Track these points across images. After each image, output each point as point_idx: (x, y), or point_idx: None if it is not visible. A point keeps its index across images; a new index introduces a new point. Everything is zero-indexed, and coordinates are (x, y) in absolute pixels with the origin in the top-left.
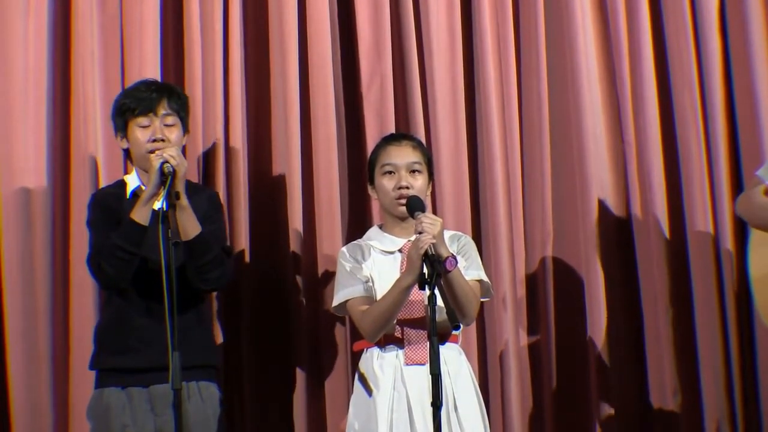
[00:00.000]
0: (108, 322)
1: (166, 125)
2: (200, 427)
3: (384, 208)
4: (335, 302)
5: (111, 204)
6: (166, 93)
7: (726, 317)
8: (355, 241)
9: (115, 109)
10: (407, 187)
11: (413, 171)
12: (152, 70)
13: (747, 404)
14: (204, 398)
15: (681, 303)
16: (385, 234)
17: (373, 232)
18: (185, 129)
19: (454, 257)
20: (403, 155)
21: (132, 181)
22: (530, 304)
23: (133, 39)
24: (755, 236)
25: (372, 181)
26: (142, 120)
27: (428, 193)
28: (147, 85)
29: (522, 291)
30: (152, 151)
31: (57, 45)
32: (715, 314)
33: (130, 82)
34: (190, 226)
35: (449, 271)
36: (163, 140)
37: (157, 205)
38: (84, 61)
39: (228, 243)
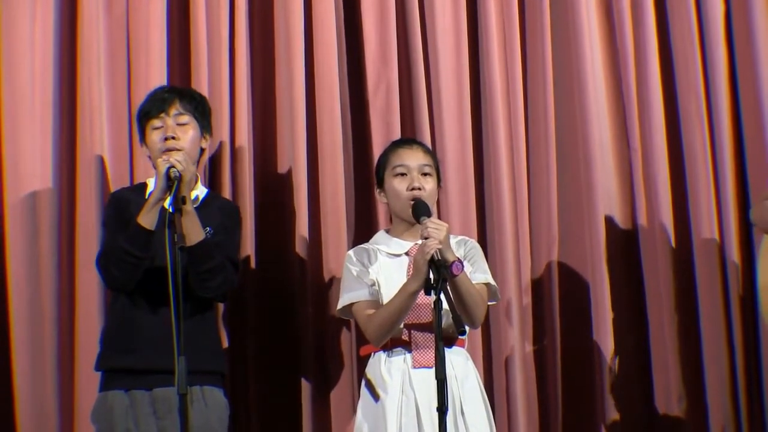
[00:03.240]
0: (114, 322)
1: (179, 124)
2: None
3: (393, 211)
4: (340, 305)
5: (126, 205)
6: (178, 94)
7: (731, 324)
8: (361, 245)
9: (137, 116)
10: (419, 188)
11: (425, 173)
12: (158, 75)
13: (752, 411)
14: (208, 403)
15: (686, 309)
16: (393, 238)
17: (380, 236)
18: (203, 130)
19: (461, 261)
20: (414, 157)
21: (152, 183)
22: (536, 309)
23: (140, 43)
24: (766, 244)
25: (380, 185)
26: (156, 122)
27: (436, 198)
28: (163, 89)
29: (527, 297)
30: (165, 151)
31: (63, 49)
32: (720, 320)
33: (136, 86)
34: (193, 231)
35: (455, 276)
36: (174, 138)
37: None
38: (90, 65)
39: (237, 256)
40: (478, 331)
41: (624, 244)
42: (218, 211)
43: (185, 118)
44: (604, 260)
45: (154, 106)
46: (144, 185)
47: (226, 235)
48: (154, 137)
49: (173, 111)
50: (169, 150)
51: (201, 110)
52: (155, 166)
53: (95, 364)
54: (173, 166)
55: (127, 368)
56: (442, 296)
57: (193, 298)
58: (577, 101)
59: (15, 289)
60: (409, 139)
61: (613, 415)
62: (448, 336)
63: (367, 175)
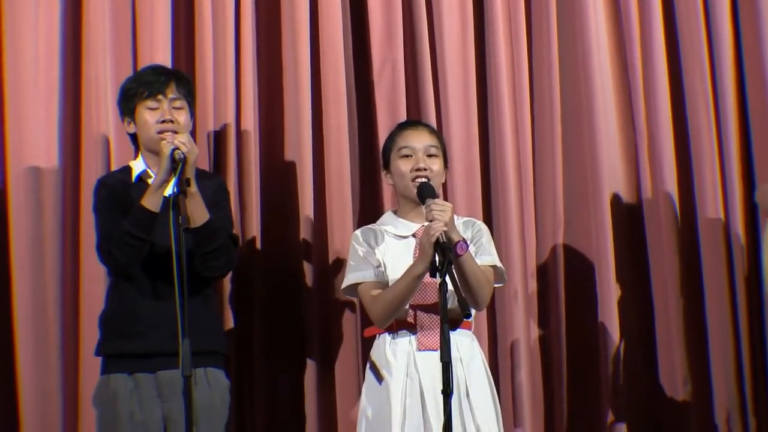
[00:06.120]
0: (114, 307)
1: (175, 108)
2: (207, 414)
3: (399, 192)
4: (345, 284)
5: (117, 189)
6: (174, 77)
7: (736, 305)
8: (368, 225)
9: (122, 93)
10: (425, 169)
11: (430, 155)
12: (163, 55)
13: (757, 393)
14: (211, 385)
15: (691, 291)
16: (400, 219)
17: (388, 216)
18: (192, 114)
19: (465, 241)
20: (420, 138)
21: (137, 166)
22: (541, 292)
23: (145, 23)
24: None
25: (387, 166)
26: (151, 102)
27: (443, 180)
28: (154, 69)
29: (533, 279)
30: (161, 132)
31: (68, 30)
32: (725, 303)
33: (141, 66)
34: (198, 213)
35: (460, 255)
36: (172, 121)
37: (168, 191)
38: (95, 46)
39: (234, 231)
40: (484, 315)
41: (629, 227)
42: (207, 187)
43: (179, 102)
44: (609, 242)
45: (149, 88)
46: (128, 168)
47: (221, 211)
48: (149, 118)
49: (170, 94)
50: (166, 131)
51: (192, 93)
52: (137, 146)
53: (96, 349)
54: (177, 148)
55: (131, 353)
56: (448, 278)
57: (194, 279)
58: (583, 82)
59: (18, 270)
60: (415, 120)
61: (618, 398)
62: (453, 318)
63: (373, 156)
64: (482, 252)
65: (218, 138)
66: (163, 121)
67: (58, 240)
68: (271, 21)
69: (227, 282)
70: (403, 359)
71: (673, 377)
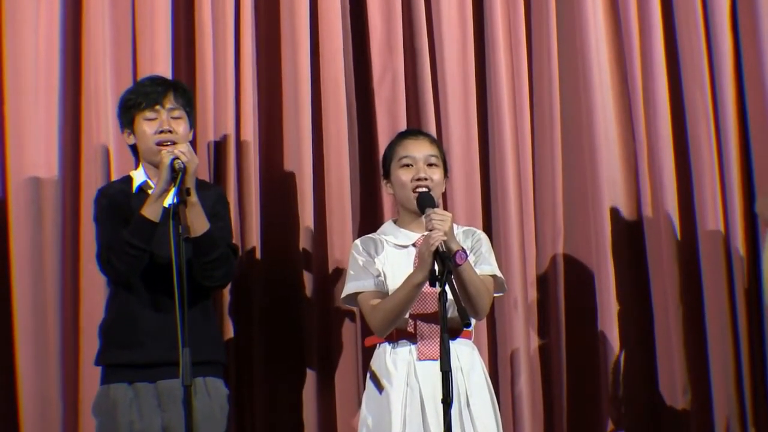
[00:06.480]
0: (114, 317)
1: (173, 118)
2: (207, 423)
3: (399, 202)
4: (345, 293)
5: (118, 199)
6: (172, 87)
7: (736, 315)
8: (368, 235)
9: (121, 105)
10: (425, 179)
11: (431, 164)
12: (163, 64)
13: (756, 402)
14: (211, 394)
15: (691, 301)
16: (400, 228)
17: (388, 226)
18: (191, 124)
19: (464, 251)
20: (420, 148)
21: (138, 176)
22: (541, 302)
23: (145, 32)
24: None
25: (387, 176)
26: (149, 113)
27: (443, 189)
28: (152, 80)
29: (532, 288)
30: (159, 143)
31: (68, 38)
32: (725, 312)
33: (141, 76)
34: (198, 223)
35: (459, 265)
36: (170, 131)
37: (168, 201)
38: (96, 55)
39: (234, 241)
40: (484, 324)
41: (629, 236)
42: (207, 197)
43: (178, 112)
44: (609, 252)
45: (147, 98)
46: (129, 178)
47: (221, 221)
48: (147, 129)
49: (168, 105)
50: (164, 143)
51: (191, 103)
52: (138, 157)
53: (96, 359)
54: (177, 158)
55: (130, 363)
56: (447, 288)
57: (194, 289)
58: (583, 92)
59: (18, 279)
60: (415, 130)
61: (618, 407)
62: (453, 327)
63: (373, 165)
64: (482, 261)
65: (218, 148)
66: (161, 132)
67: (58, 250)
68: (271, 30)
69: (227, 292)
70: (404, 368)
71: (673, 386)
